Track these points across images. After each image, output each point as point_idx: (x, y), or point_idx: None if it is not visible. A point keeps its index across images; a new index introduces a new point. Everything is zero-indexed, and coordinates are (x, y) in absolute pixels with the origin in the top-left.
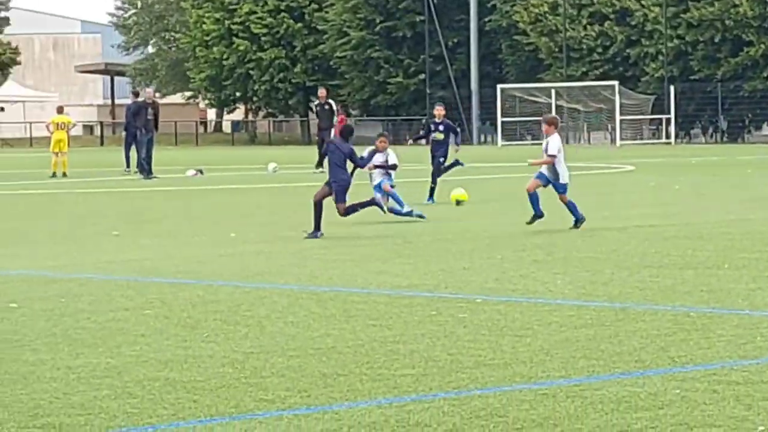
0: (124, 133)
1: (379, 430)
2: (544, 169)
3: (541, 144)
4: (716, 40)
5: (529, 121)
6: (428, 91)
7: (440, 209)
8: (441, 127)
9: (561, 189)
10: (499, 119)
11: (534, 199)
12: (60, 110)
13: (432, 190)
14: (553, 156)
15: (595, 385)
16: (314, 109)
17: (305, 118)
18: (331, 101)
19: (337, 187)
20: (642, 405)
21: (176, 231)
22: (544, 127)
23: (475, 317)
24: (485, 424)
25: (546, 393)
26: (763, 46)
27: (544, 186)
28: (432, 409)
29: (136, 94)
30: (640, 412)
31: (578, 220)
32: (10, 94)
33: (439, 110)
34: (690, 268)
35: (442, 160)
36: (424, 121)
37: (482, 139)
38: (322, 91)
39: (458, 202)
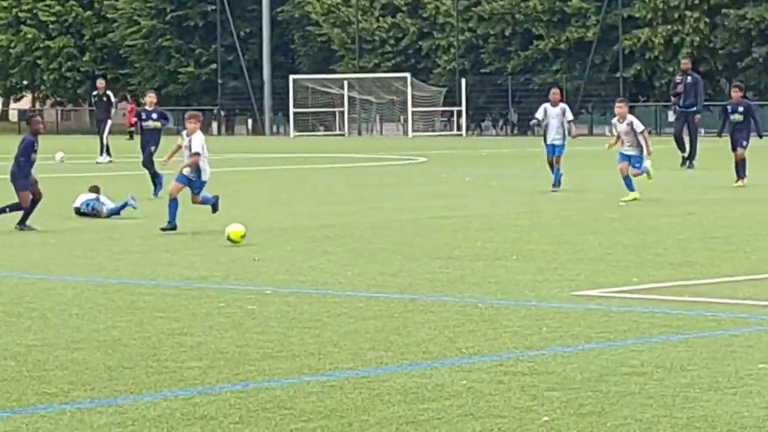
0: None
1: (164, 423)
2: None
3: (335, 134)
4: (507, 33)
5: (322, 112)
6: (220, 81)
7: (228, 202)
8: (154, 116)
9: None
10: (292, 110)
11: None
12: None
13: (157, 178)
14: None
15: (382, 377)
16: (93, 100)
17: (93, 108)
18: (109, 92)
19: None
20: (429, 396)
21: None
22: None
23: (264, 309)
24: (272, 416)
25: (334, 384)
26: (552, 40)
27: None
28: (218, 402)
29: None
30: (427, 403)
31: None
32: None
33: (150, 98)
34: (479, 260)
35: (153, 149)
36: (215, 111)
37: (274, 129)
38: (100, 82)
39: (232, 240)
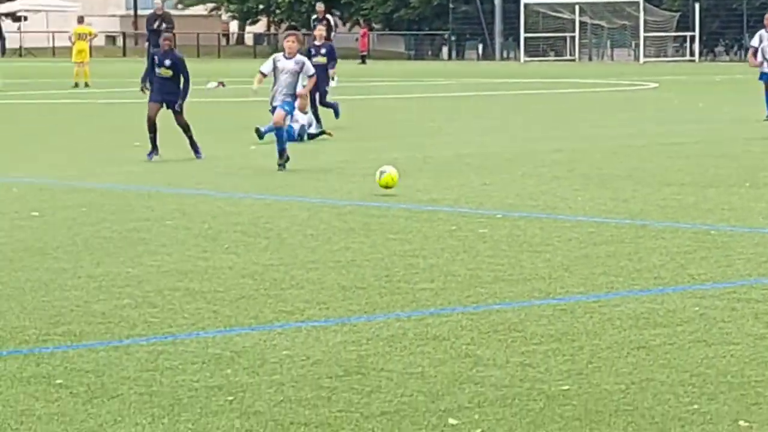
0: (146, 44)
1: (397, 343)
2: None
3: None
4: None
5: (553, 37)
6: (451, 5)
7: (456, 126)
8: (323, 51)
9: None
10: (522, 35)
11: None
12: (81, 20)
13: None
14: None
15: (613, 302)
16: (312, 24)
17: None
18: (329, 16)
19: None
20: (660, 321)
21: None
22: None
23: (495, 232)
24: (503, 339)
25: (564, 308)
26: None
27: None
28: (450, 323)
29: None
30: (659, 329)
31: None
32: (33, 3)
33: (320, 31)
34: (711, 186)
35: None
36: (446, 36)
37: (505, 55)
38: (320, 6)
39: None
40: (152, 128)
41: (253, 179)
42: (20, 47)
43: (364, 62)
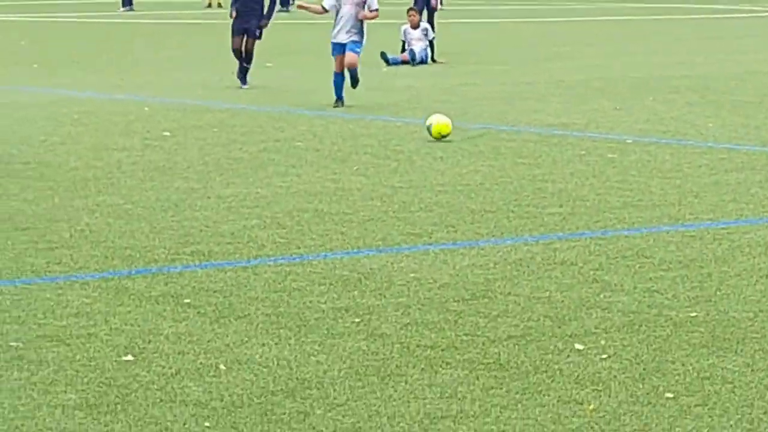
0: None
1: (524, 267)
2: None
3: None
4: None
5: None
6: None
7: (588, 50)
8: None
9: None
10: None
11: None
12: None
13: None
14: None
15: (743, 229)
16: None
17: None
18: None
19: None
20: None
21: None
22: None
23: (624, 158)
24: (631, 264)
25: (693, 235)
26: None
27: None
28: (578, 248)
29: None
30: None
31: None
32: None
33: None
34: None
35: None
36: None
37: None
38: None
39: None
40: (240, 56)
41: (382, 100)
42: None
43: None
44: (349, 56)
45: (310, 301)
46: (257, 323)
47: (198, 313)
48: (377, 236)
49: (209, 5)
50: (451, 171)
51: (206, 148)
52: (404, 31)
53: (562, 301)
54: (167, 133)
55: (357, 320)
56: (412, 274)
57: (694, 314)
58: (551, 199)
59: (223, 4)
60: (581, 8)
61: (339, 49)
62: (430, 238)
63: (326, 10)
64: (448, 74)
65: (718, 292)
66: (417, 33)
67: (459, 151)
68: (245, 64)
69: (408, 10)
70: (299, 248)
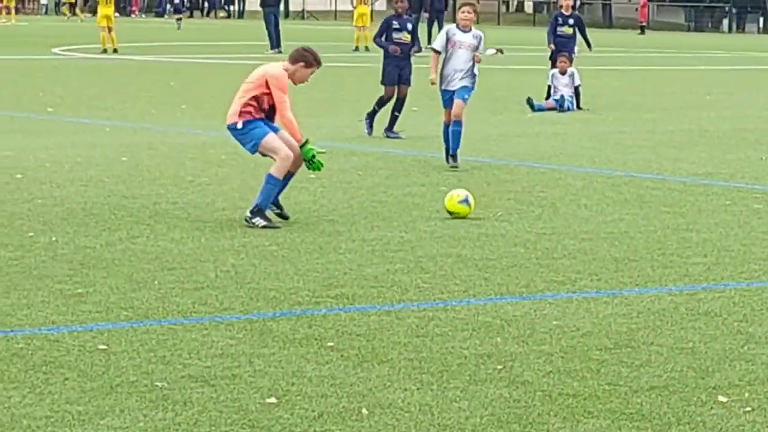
0: None
1: (668, 317)
2: None
3: None
4: None
5: None
6: None
7: (734, 99)
8: (570, 21)
9: None
10: None
11: None
12: None
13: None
14: None
15: None
16: None
17: (607, 2)
18: None
19: None
20: None
21: (471, 109)
22: None
23: None
24: None
25: None
26: None
27: None
28: (723, 299)
29: None
30: None
31: None
32: None
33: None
34: None
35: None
36: (726, 7)
37: None
38: None
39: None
40: (390, 104)
41: (527, 147)
42: (303, 10)
43: (642, 32)
44: (457, 105)
45: (453, 347)
46: (400, 368)
47: (341, 356)
48: (520, 283)
49: (356, 48)
50: (595, 218)
51: (351, 191)
52: (552, 76)
53: (706, 352)
54: (312, 176)
55: (499, 367)
56: (554, 322)
57: None
58: (695, 249)
59: (370, 48)
60: (725, 57)
61: (451, 97)
62: (574, 285)
63: (439, 52)
64: (593, 121)
65: None
66: (565, 79)
67: (604, 199)
68: (396, 113)
69: (557, 55)
70: (442, 293)
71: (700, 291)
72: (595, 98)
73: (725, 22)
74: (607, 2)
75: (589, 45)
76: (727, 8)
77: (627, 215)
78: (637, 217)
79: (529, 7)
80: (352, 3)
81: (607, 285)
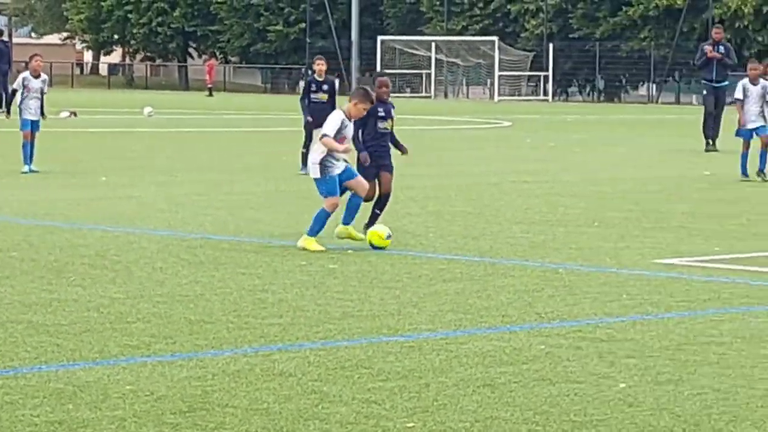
0: None
1: (243, 379)
2: None
3: (421, 96)
4: None
5: (409, 74)
6: (308, 40)
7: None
8: (325, 87)
9: None
10: (378, 71)
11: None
12: None
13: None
14: None
15: (461, 339)
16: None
17: (183, 63)
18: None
19: None
20: (506, 359)
21: (45, 173)
22: None
23: (345, 268)
24: (350, 375)
25: (412, 345)
26: (641, 6)
27: None
28: (298, 359)
29: (0, 33)
30: (505, 367)
31: None
32: None
33: (320, 65)
34: (561, 226)
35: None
36: (303, 70)
37: None
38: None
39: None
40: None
41: (102, 211)
42: None
43: (211, 95)
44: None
45: (23, 415)
46: None
47: None
48: (93, 348)
49: None
50: (170, 281)
51: None
52: None
53: (280, 412)
54: None
55: None
56: (128, 387)
57: (411, 425)
58: (271, 310)
59: None
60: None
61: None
62: (148, 349)
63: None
64: (169, 184)
65: (435, 403)
66: None
67: (179, 262)
68: (378, 211)
69: None
70: (12, 360)
71: (276, 352)
72: (172, 161)
73: (301, 83)
74: (184, 64)
75: None
76: (303, 70)
77: (203, 277)
78: (213, 279)
79: (104, 69)
80: None
81: (183, 348)
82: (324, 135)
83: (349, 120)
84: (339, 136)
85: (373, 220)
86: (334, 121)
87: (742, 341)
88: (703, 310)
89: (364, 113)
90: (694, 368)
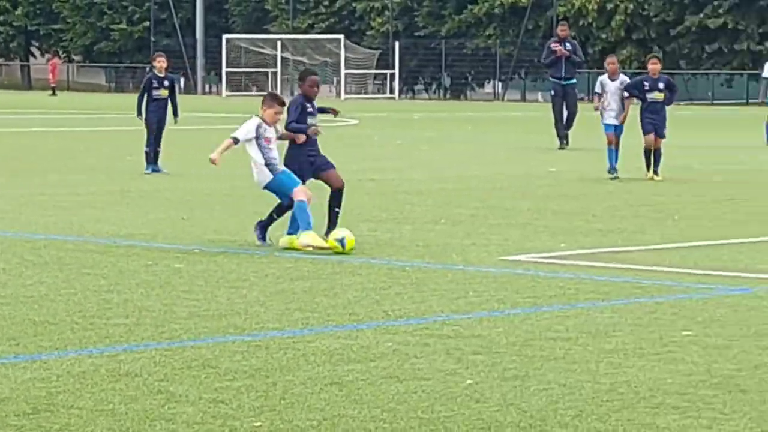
0: None
1: (88, 380)
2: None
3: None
4: None
5: (255, 72)
6: (152, 39)
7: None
8: (166, 83)
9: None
10: (224, 69)
11: None
12: None
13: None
14: None
15: (308, 338)
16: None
17: (26, 63)
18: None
19: None
20: (354, 357)
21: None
22: None
23: (191, 268)
24: (197, 375)
25: (259, 344)
26: (486, 4)
27: None
28: (143, 359)
29: None
30: (352, 365)
31: None
32: None
33: (161, 62)
34: (407, 223)
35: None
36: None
37: (207, 89)
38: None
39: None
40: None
41: None
42: None
43: (54, 94)
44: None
45: None
46: None
47: None
48: None
49: None
50: (13, 282)
51: None
52: None
53: (126, 413)
54: None
55: None
56: None
57: (258, 424)
58: (116, 310)
59: None
60: None
61: None
62: None
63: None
64: (16, 186)
65: (282, 401)
66: None
67: (23, 263)
68: (337, 209)
69: None
70: None
71: (121, 352)
72: (14, 161)
73: None
74: (26, 63)
75: None
76: (148, 69)
77: (47, 278)
78: (58, 279)
79: None
80: None
81: (26, 349)
82: (287, 125)
83: (269, 126)
84: (259, 140)
85: (333, 220)
86: (246, 126)
87: (587, 336)
88: (549, 306)
89: (279, 117)
90: (540, 364)
